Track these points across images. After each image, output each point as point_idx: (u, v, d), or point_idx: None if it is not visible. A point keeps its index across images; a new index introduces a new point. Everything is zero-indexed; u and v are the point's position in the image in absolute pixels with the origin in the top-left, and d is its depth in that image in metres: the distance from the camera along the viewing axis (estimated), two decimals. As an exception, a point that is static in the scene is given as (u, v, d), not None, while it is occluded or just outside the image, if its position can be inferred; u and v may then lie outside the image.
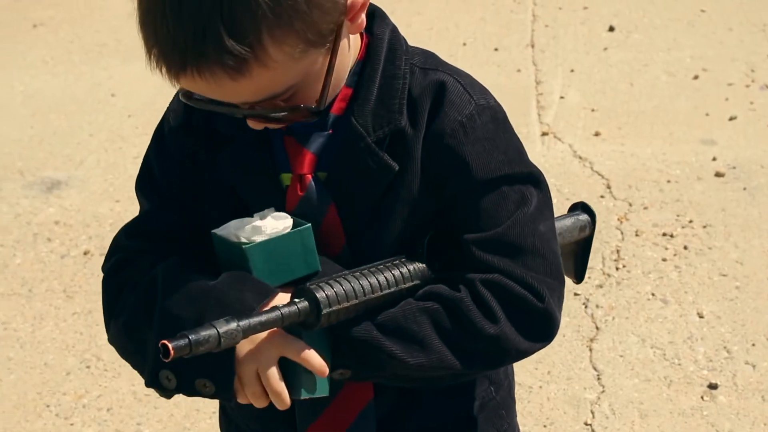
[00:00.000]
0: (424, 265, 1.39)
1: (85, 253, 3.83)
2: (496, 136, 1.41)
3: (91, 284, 3.64)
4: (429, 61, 1.44)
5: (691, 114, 4.70)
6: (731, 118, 4.62)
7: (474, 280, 1.36)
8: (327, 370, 1.30)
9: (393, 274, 1.35)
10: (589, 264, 3.47)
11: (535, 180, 1.43)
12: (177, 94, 1.49)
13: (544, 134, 4.53)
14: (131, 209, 4.04)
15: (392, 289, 1.34)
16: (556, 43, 5.58)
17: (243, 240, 1.33)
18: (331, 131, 1.39)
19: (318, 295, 1.27)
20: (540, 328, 1.40)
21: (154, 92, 5.15)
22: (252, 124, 1.33)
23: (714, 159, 4.26)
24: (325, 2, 1.21)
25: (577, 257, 1.65)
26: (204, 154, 1.44)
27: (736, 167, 4.20)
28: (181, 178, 1.47)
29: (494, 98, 1.44)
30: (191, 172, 1.46)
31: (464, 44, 5.63)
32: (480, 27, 5.85)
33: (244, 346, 1.29)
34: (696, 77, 5.05)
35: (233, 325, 1.20)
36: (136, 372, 3.21)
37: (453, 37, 5.71)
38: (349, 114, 1.38)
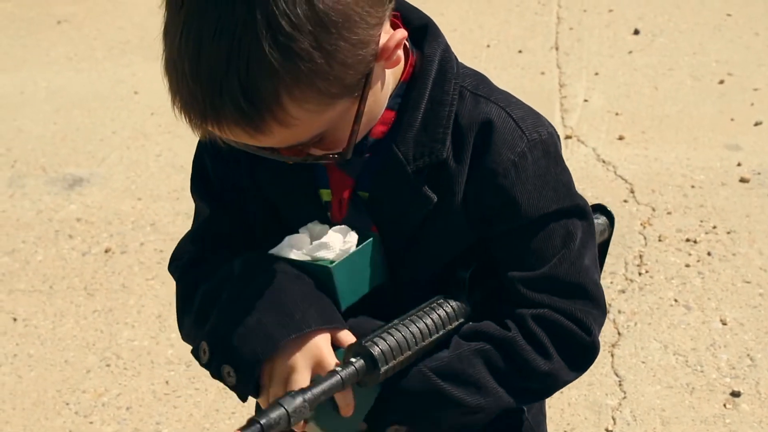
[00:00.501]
0: (465, 302, 1.37)
1: (106, 251, 3.83)
2: (546, 173, 1.36)
3: (111, 282, 3.64)
4: (482, 86, 1.38)
5: (716, 119, 4.67)
6: (757, 124, 4.58)
7: (525, 316, 1.35)
8: (351, 411, 1.29)
9: (439, 315, 1.33)
10: (612, 269, 3.48)
11: (581, 212, 1.41)
12: None
13: (567, 137, 4.51)
14: (153, 207, 4.06)
15: (440, 333, 1.33)
16: (580, 45, 5.55)
17: (320, 258, 1.32)
18: (369, 155, 1.36)
19: (373, 351, 1.26)
20: (585, 359, 1.41)
21: (176, 90, 5.17)
22: (289, 159, 1.29)
23: (739, 164, 4.23)
24: (347, 57, 1.14)
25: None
26: (247, 163, 1.43)
27: (761, 173, 4.16)
28: (233, 178, 1.47)
29: (547, 128, 1.39)
30: (238, 173, 1.46)
31: (488, 46, 5.61)
32: (504, 29, 5.83)
33: (290, 345, 1.28)
34: (721, 82, 5.01)
35: (299, 400, 1.18)
36: (155, 371, 3.22)
37: (477, 39, 5.69)
38: (390, 139, 1.34)
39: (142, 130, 4.82)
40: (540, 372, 1.35)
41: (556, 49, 5.53)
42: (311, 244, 1.35)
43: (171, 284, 3.48)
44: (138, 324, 3.43)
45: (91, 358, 3.29)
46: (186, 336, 1.46)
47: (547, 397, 1.50)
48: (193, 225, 1.55)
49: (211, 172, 1.49)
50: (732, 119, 4.64)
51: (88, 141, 4.74)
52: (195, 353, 1.35)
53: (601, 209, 1.61)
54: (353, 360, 1.25)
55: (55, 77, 5.49)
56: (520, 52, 5.51)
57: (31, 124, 4.95)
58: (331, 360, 1.28)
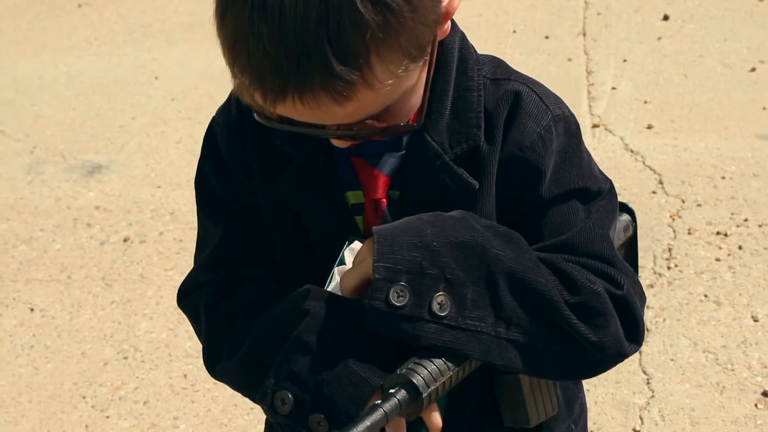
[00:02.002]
0: None
1: (125, 240, 3.78)
2: (569, 149, 1.34)
3: (130, 272, 3.59)
4: (499, 70, 1.35)
5: (747, 107, 4.56)
6: (789, 113, 4.48)
7: (554, 260, 1.27)
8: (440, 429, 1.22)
9: None
10: (640, 263, 3.38)
11: (602, 192, 1.36)
12: (224, 105, 1.42)
13: (594, 126, 4.42)
14: (172, 195, 4.01)
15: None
16: (608, 31, 5.45)
17: None
18: (404, 151, 1.32)
19: (413, 379, 1.18)
20: (625, 318, 1.28)
21: (197, 76, 5.12)
22: (338, 143, 1.24)
23: (771, 155, 4.13)
24: (428, 14, 1.11)
25: (625, 258, 1.56)
26: (260, 172, 1.36)
27: (794, 164, 4.07)
28: (244, 195, 1.39)
29: (567, 107, 1.37)
30: (250, 187, 1.38)
31: (514, 32, 5.51)
32: (530, 14, 5.74)
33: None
34: (753, 69, 4.90)
35: None
36: (173, 365, 3.17)
37: (502, 24, 5.60)
38: (422, 131, 1.29)
39: (162, 116, 4.76)
40: (588, 288, 1.25)
41: (584, 35, 5.43)
42: None
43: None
44: (156, 315, 3.37)
45: (109, 350, 3.24)
46: (226, 376, 1.38)
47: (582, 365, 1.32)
48: (202, 251, 1.45)
49: (219, 191, 1.41)
50: (764, 108, 4.54)
51: (107, 127, 4.69)
52: (264, 400, 1.25)
53: (621, 206, 1.56)
54: (392, 391, 1.17)
55: (75, 62, 5.43)
56: (546, 37, 5.42)
57: (50, 110, 4.90)
58: None
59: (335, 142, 1.24)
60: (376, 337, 1.23)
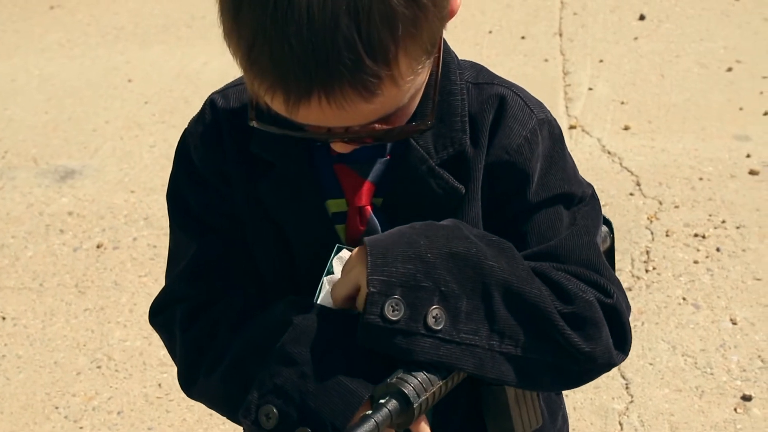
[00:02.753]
0: None
1: (98, 246, 3.73)
2: (553, 153, 1.32)
3: (103, 279, 3.54)
4: (481, 75, 1.34)
5: (724, 108, 4.55)
6: (766, 113, 4.47)
7: (545, 269, 1.26)
8: None
9: None
10: (618, 265, 3.37)
11: (586, 197, 1.34)
12: (198, 115, 1.38)
13: (571, 127, 4.40)
14: (146, 200, 3.96)
15: None
16: (584, 31, 5.43)
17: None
18: (389, 156, 1.30)
19: (404, 389, 1.16)
20: (614, 327, 1.27)
21: (171, 78, 5.07)
22: (341, 147, 1.19)
23: (748, 156, 4.12)
24: (443, 9, 1.10)
25: None
26: (240, 182, 1.33)
27: (771, 165, 4.06)
28: (221, 206, 1.35)
29: (549, 111, 1.36)
30: (228, 197, 1.35)
31: (490, 32, 5.49)
32: (506, 14, 5.71)
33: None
34: (729, 69, 4.90)
35: None
36: (148, 374, 3.13)
37: (479, 24, 5.58)
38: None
39: (136, 120, 4.71)
40: (580, 298, 1.24)
41: (560, 35, 5.41)
42: None
43: (163, 281, 3.39)
44: (130, 323, 3.33)
45: (82, 359, 3.20)
46: (205, 395, 1.33)
47: (575, 372, 1.32)
48: (175, 266, 1.40)
49: (193, 204, 1.36)
50: (741, 108, 4.53)
51: (80, 131, 4.63)
52: (247, 415, 1.21)
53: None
54: (383, 401, 1.15)
55: (47, 64, 5.37)
56: (522, 38, 5.40)
57: (22, 114, 4.85)
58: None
59: (338, 147, 1.19)
60: (362, 349, 1.20)
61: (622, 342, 1.28)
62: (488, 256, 1.20)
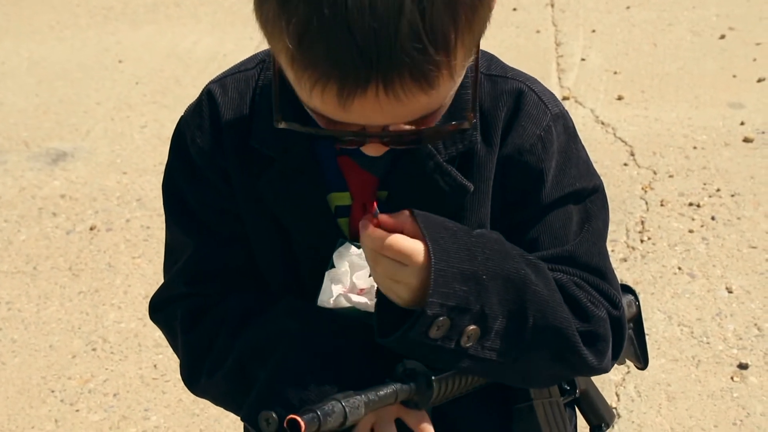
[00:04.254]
0: None
1: (91, 229, 3.71)
2: (568, 148, 1.30)
3: (97, 261, 3.53)
4: (493, 65, 1.29)
5: (717, 76, 4.53)
6: (760, 80, 4.45)
7: (564, 283, 1.26)
8: None
9: None
10: (613, 236, 3.37)
11: (597, 190, 1.34)
12: (195, 106, 1.34)
13: (564, 98, 4.38)
14: (138, 181, 3.95)
15: None
16: (576, 2, 5.41)
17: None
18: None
19: (427, 372, 1.19)
20: (617, 336, 1.30)
21: (162, 58, 5.05)
22: (374, 150, 1.13)
23: (742, 123, 4.10)
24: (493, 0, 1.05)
25: (634, 340, 1.57)
26: (239, 177, 1.30)
27: (765, 132, 4.04)
28: (219, 202, 1.33)
29: (562, 104, 1.33)
30: (227, 193, 1.32)
31: (481, 4, 5.46)
32: (497, -14, 5.68)
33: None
34: (722, 37, 4.87)
35: (356, 399, 1.12)
36: (143, 355, 3.12)
37: (470, -4, 5.54)
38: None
39: (127, 101, 4.69)
40: (594, 315, 1.26)
41: (552, 5, 5.38)
42: (351, 279, 1.26)
43: (158, 262, 3.37)
44: (125, 305, 3.32)
45: (77, 342, 3.19)
46: (209, 393, 1.35)
47: (574, 372, 1.37)
48: (173, 262, 1.38)
49: (190, 199, 1.34)
50: (734, 76, 4.51)
51: (71, 113, 4.61)
52: (248, 419, 1.24)
53: (624, 288, 1.56)
54: (405, 375, 1.19)
55: (37, 47, 5.34)
56: (514, 9, 5.36)
57: (13, 97, 4.82)
58: (409, 416, 1.22)
59: (371, 150, 1.13)
60: (360, 355, 1.21)
61: (618, 351, 1.31)
62: (533, 280, 1.20)
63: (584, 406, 1.57)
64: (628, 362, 2.87)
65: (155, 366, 3.05)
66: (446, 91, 1.05)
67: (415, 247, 1.13)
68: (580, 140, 1.35)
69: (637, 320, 1.56)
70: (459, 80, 1.07)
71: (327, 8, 0.95)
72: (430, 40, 0.97)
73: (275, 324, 1.27)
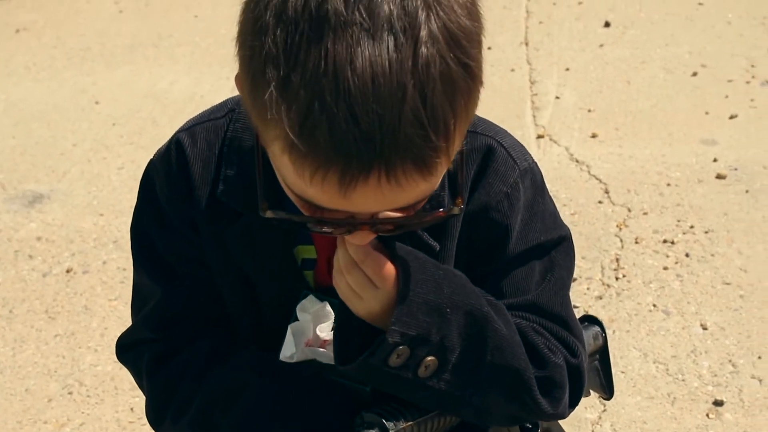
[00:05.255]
0: None
1: (68, 271, 3.71)
2: (534, 203, 1.32)
3: (73, 304, 3.52)
4: None
5: (690, 113, 4.58)
6: (732, 117, 4.49)
7: (523, 329, 1.29)
8: None
9: None
10: (588, 274, 3.39)
11: (563, 241, 1.36)
12: (164, 153, 1.35)
13: (539, 137, 4.40)
14: (115, 223, 3.94)
15: None
16: (550, 40, 5.45)
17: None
18: None
19: (385, 422, 1.21)
20: (575, 384, 1.33)
21: (139, 99, 5.05)
22: (360, 238, 1.11)
23: (715, 160, 4.14)
24: (482, 81, 1.06)
25: (600, 371, 1.61)
26: (207, 227, 1.31)
27: (737, 168, 4.07)
28: (187, 249, 1.34)
29: (531, 156, 1.35)
30: (195, 242, 1.33)
31: (457, 43, 5.49)
32: (472, 25, 5.72)
33: None
34: (695, 74, 4.92)
35: None
36: (120, 398, 3.11)
37: (445, 35, 5.58)
38: None
39: (104, 142, 4.69)
40: (551, 362, 1.29)
41: (526, 44, 5.43)
42: (314, 330, 1.28)
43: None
44: (101, 348, 3.31)
45: (53, 385, 3.17)
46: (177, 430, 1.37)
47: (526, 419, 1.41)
48: (141, 306, 1.41)
49: (158, 245, 1.35)
50: (707, 113, 4.56)
51: (48, 155, 4.61)
52: None
53: (588, 319, 1.60)
54: (366, 430, 1.21)
55: (13, 89, 5.34)
56: (489, 48, 5.40)
57: (-11, 139, 4.82)
58: None
59: (356, 239, 1.11)
60: (322, 410, 1.24)
61: (576, 400, 1.35)
62: (494, 318, 1.22)
63: None
64: (604, 401, 2.89)
65: (132, 409, 3.04)
66: (440, 176, 1.05)
67: (390, 272, 1.15)
68: (547, 192, 1.36)
69: (603, 351, 1.59)
70: (449, 162, 1.07)
71: (329, 94, 0.94)
72: (431, 126, 0.97)
73: (238, 375, 1.29)
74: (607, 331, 1.59)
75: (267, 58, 0.97)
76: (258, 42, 0.98)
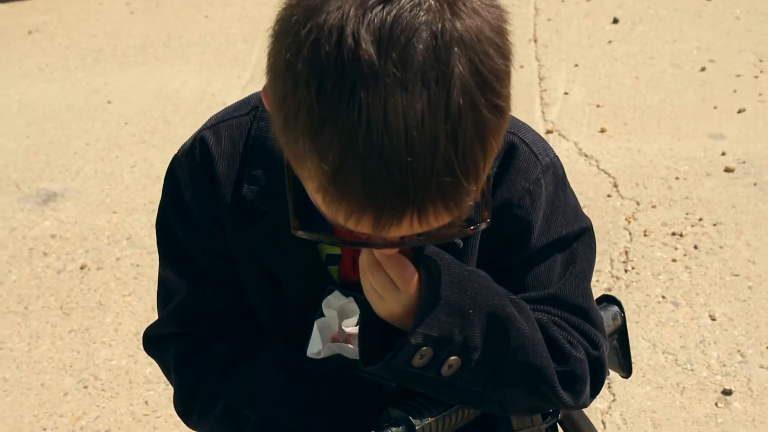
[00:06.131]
0: None
1: (82, 268, 3.75)
2: (556, 197, 1.33)
3: (87, 300, 3.56)
4: None
5: (698, 107, 4.60)
6: (740, 111, 4.52)
7: (544, 324, 1.30)
8: None
9: None
10: (597, 266, 3.41)
11: (585, 232, 1.37)
12: (188, 151, 1.35)
13: (548, 132, 4.44)
14: (128, 220, 3.98)
15: None
16: (559, 37, 5.48)
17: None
18: None
19: (410, 416, 1.23)
20: (596, 376, 1.35)
21: (150, 99, 5.10)
22: (388, 251, 1.14)
23: (723, 154, 4.16)
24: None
25: (618, 350, 1.62)
26: (232, 225, 1.33)
27: (746, 162, 4.10)
28: (212, 246, 1.36)
29: (552, 150, 1.36)
30: (220, 239, 1.35)
31: (466, 41, 5.53)
32: (481, 22, 5.75)
33: None
34: (703, 69, 4.94)
35: None
36: (134, 392, 3.14)
37: (454, 33, 5.61)
38: None
39: (116, 141, 4.73)
40: (573, 356, 1.30)
41: (535, 41, 5.46)
42: (339, 326, 1.29)
43: (148, 300, 3.40)
44: (115, 343, 3.35)
45: (68, 380, 3.21)
46: (201, 429, 1.41)
47: (549, 406, 1.41)
48: (167, 300, 1.42)
49: (184, 241, 1.37)
50: (715, 107, 4.58)
51: (61, 154, 4.65)
52: None
53: (607, 298, 1.61)
54: (387, 425, 1.23)
55: (27, 89, 5.39)
56: (498, 46, 5.43)
57: (3, 139, 4.86)
58: None
59: (384, 253, 1.14)
60: (347, 407, 1.26)
61: (597, 389, 1.36)
62: (517, 318, 1.23)
63: (568, 427, 1.61)
64: (614, 391, 2.92)
65: (146, 402, 3.08)
66: (468, 207, 1.06)
67: (412, 274, 1.16)
68: (568, 185, 1.37)
69: (622, 331, 1.60)
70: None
71: (363, 145, 0.95)
72: (462, 172, 0.98)
73: (263, 372, 1.31)
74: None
75: (300, 105, 0.97)
76: (290, 84, 0.99)
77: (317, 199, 1.03)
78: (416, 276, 1.16)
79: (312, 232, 1.12)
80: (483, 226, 1.13)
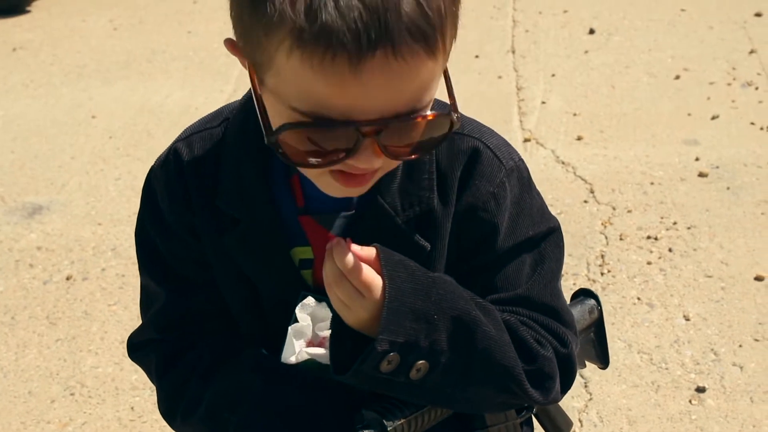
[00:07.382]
0: None
1: (68, 278, 3.80)
2: (521, 199, 1.35)
3: (74, 310, 3.61)
4: None
5: (673, 114, 4.69)
6: (713, 117, 4.60)
7: (512, 324, 1.33)
8: None
9: None
10: (574, 270, 3.48)
11: (552, 232, 1.40)
12: (163, 162, 1.38)
13: (526, 140, 4.51)
14: (113, 231, 4.04)
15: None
16: (536, 48, 5.56)
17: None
18: (353, 211, 1.32)
19: (384, 420, 1.26)
20: (565, 374, 1.37)
21: (134, 113, 5.15)
22: (365, 159, 1.10)
23: (697, 159, 4.25)
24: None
25: (596, 342, 1.65)
26: (207, 232, 1.36)
27: (719, 166, 4.18)
28: (189, 253, 1.39)
29: (517, 153, 1.38)
30: (196, 246, 1.38)
31: (445, 52, 5.60)
32: (460, 34, 5.72)
33: None
34: (677, 77, 5.03)
35: None
36: (120, 398, 3.18)
37: (433, 45, 5.68)
38: (374, 192, 1.27)
39: (101, 155, 4.79)
40: (541, 354, 1.32)
41: (513, 52, 5.54)
42: (313, 330, 1.31)
43: (133, 308, 3.44)
44: (101, 351, 3.40)
45: (55, 387, 3.26)
46: (184, 430, 1.44)
47: (517, 404, 1.44)
48: (148, 307, 1.46)
49: (161, 249, 1.40)
50: (689, 114, 4.67)
51: (46, 168, 4.71)
52: None
53: (584, 292, 1.65)
54: (360, 427, 1.26)
55: (12, 105, 5.45)
56: (476, 57, 5.52)
57: (-12, 154, 4.91)
58: None
59: (361, 160, 1.10)
60: (322, 412, 1.30)
61: (567, 385, 1.38)
62: (483, 321, 1.25)
63: (542, 419, 1.65)
64: (590, 390, 2.98)
65: (132, 408, 3.13)
66: (435, 75, 1.09)
67: (375, 282, 1.18)
68: (534, 187, 1.40)
69: (599, 324, 1.64)
70: (440, 74, 1.11)
71: None
72: (427, 4, 1.03)
73: (241, 376, 1.35)
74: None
75: None
76: None
77: (290, 66, 1.04)
78: (380, 282, 1.18)
79: (286, 123, 1.08)
80: (455, 117, 1.13)
